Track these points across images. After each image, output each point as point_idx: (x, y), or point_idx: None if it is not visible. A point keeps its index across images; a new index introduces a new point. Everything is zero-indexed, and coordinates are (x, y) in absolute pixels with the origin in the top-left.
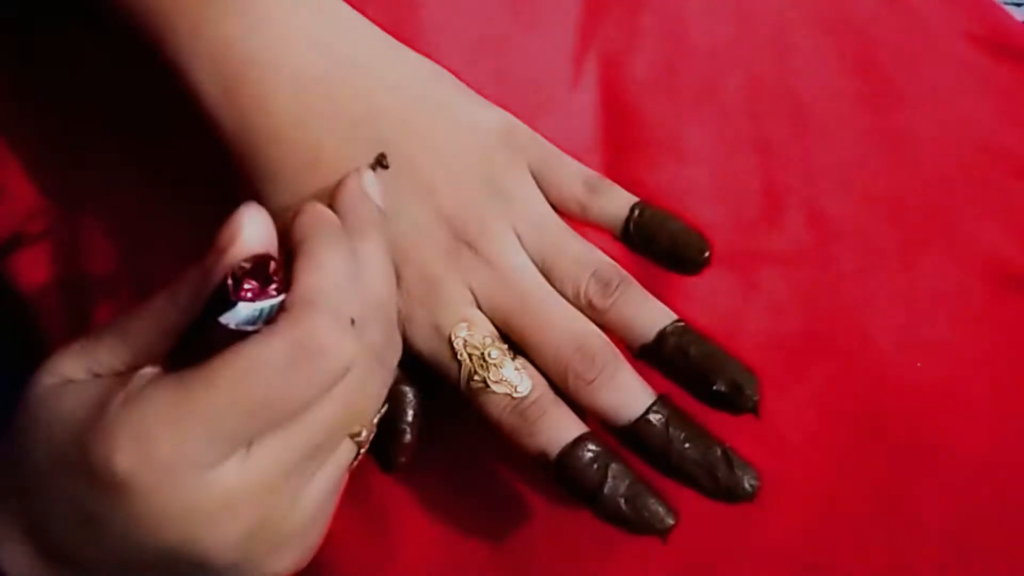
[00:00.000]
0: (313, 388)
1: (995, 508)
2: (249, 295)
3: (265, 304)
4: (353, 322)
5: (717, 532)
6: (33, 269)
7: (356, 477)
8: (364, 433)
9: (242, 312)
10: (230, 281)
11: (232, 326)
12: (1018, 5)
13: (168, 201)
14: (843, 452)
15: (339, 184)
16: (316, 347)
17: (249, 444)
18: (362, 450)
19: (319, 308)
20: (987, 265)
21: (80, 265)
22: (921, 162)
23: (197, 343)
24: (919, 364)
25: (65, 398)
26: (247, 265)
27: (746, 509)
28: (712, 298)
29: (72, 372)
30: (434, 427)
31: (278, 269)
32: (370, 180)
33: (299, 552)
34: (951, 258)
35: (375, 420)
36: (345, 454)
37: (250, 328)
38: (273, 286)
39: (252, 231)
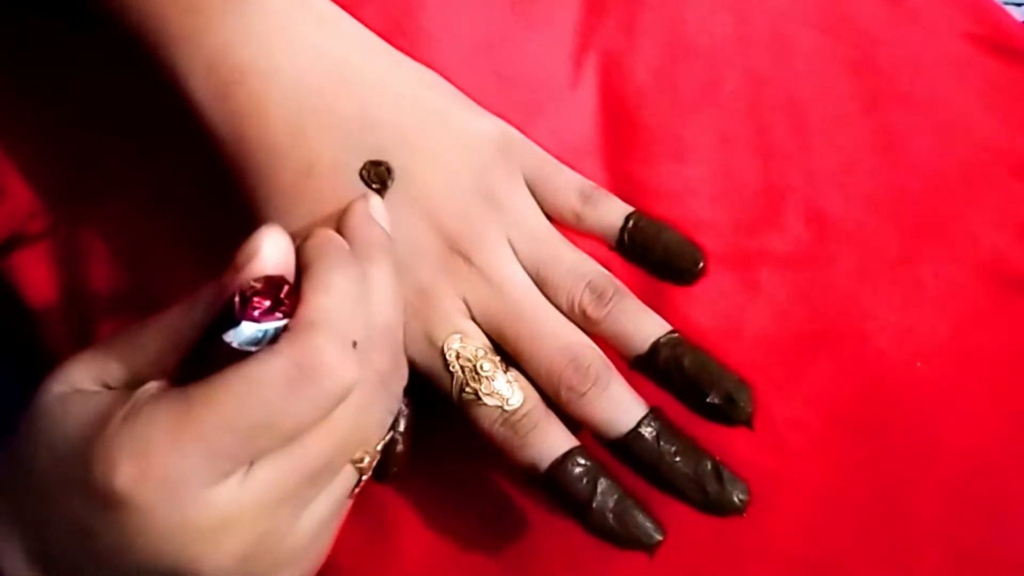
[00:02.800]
0: (312, 409)
1: (994, 508)
2: (256, 314)
3: (271, 326)
4: (356, 344)
5: (717, 532)
6: (33, 270)
7: None
8: (367, 459)
9: (246, 332)
10: (237, 299)
11: (235, 345)
12: (1018, 5)
13: (169, 202)
14: (843, 452)
15: (346, 209)
16: (316, 368)
17: (250, 464)
18: (364, 476)
19: (321, 329)
20: (987, 265)
21: (80, 266)
22: (921, 162)
23: (201, 360)
24: (919, 364)
25: (70, 409)
26: (257, 285)
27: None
28: (712, 298)
29: (81, 381)
30: (435, 430)
31: (290, 293)
32: (377, 204)
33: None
34: (951, 258)
35: (379, 447)
36: (346, 480)
37: (253, 348)
38: (282, 308)
39: (270, 252)
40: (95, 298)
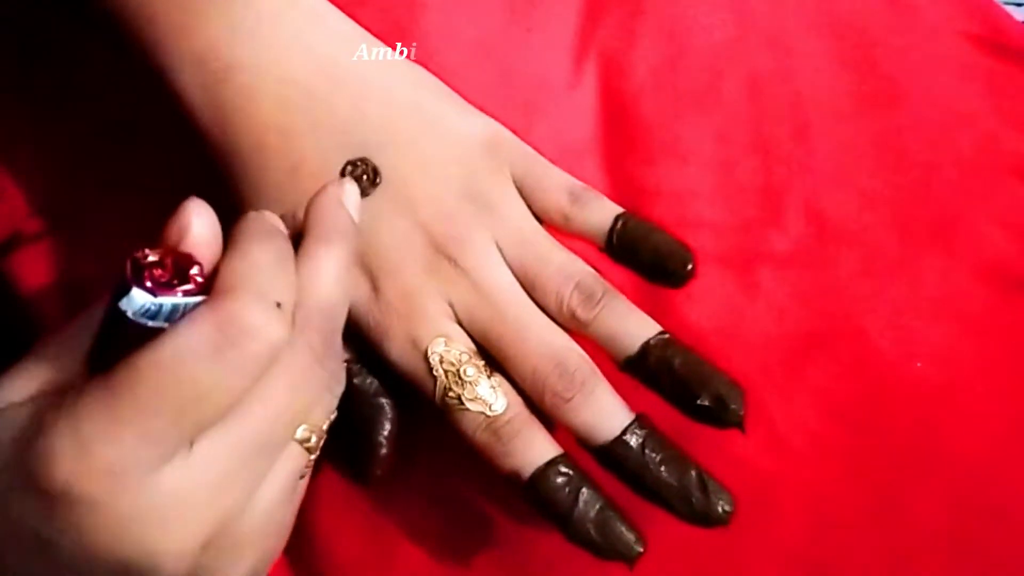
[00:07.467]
0: (242, 373)
1: (995, 509)
2: (149, 285)
3: (169, 300)
4: (280, 306)
5: (717, 531)
6: (33, 269)
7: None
8: (314, 439)
9: (137, 300)
10: (128, 265)
11: (129, 314)
12: (1018, 5)
13: (169, 202)
14: (843, 452)
15: (318, 191)
16: (240, 330)
17: (191, 444)
18: (312, 456)
19: (240, 292)
20: (987, 265)
21: (80, 266)
22: (921, 162)
23: (111, 342)
24: (919, 364)
25: (3, 425)
26: (154, 255)
27: (746, 509)
28: (712, 298)
29: (11, 396)
30: (431, 430)
31: (202, 272)
32: (350, 192)
33: (255, 563)
34: (951, 258)
35: (325, 427)
36: (295, 459)
37: (151, 323)
38: (189, 286)
39: (200, 228)
40: (95, 298)
